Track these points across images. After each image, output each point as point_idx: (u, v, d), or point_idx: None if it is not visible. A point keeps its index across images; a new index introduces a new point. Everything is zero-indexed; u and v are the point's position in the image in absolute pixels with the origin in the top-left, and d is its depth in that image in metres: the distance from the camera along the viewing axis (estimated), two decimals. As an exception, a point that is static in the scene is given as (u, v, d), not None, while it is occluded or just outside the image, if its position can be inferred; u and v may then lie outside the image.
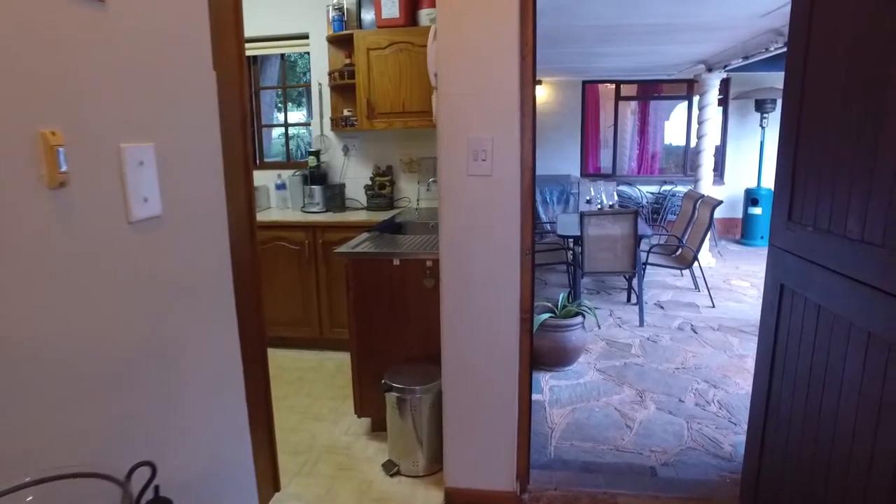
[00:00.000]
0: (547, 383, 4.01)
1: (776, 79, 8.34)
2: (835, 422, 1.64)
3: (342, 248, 2.79)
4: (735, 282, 6.60)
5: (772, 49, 5.18)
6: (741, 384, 3.95)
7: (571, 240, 5.45)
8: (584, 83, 9.15)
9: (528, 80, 2.03)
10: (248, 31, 4.40)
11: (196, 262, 1.27)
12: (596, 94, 9.38)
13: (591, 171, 9.39)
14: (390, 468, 2.68)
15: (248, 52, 4.59)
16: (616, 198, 6.50)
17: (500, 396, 2.26)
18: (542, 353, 4.20)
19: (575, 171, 9.19)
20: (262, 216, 4.26)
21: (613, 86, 9.25)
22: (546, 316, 4.15)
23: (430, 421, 2.58)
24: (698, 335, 4.91)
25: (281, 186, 4.52)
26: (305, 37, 4.34)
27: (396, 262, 2.68)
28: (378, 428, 3.00)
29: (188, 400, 1.21)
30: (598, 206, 6.15)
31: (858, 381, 1.53)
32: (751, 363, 4.29)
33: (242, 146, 2.06)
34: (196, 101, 1.23)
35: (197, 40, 1.21)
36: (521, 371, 2.24)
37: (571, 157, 9.24)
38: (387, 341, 2.82)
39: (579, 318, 4.17)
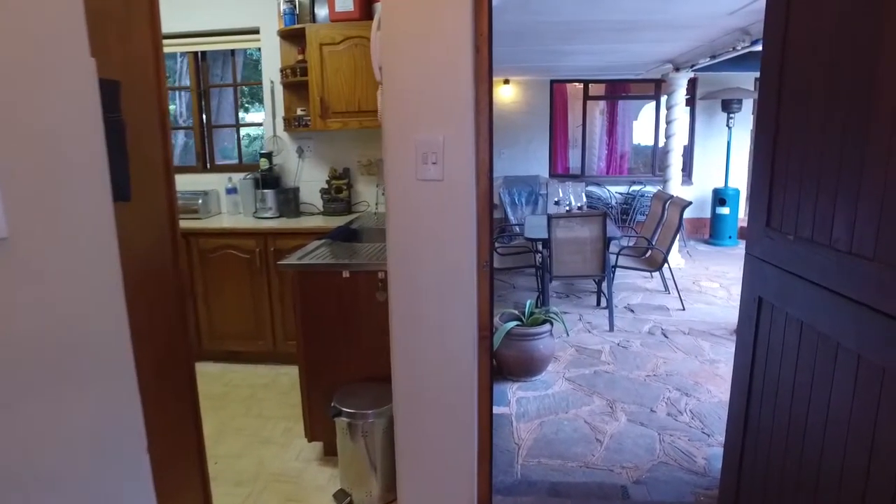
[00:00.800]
0: (514, 395, 3.83)
1: (742, 79, 8.35)
2: (821, 450, 1.48)
3: (287, 260, 2.56)
4: (705, 283, 6.53)
5: (739, 48, 5.10)
6: (713, 391, 3.83)
7: (539, 243, 5.30)
8: (552, 82, 9.03)
9: (484, 74, 1.83)
10: (194, 25, 4.17)
11: (69, 308, 0.89)
12: (564, 93, 9.28)
13: (559, 172, 9.28)
14: (342, 498, 2.46)
15: (194, 48, 4.35)
16: (584, 199, 6.38)
17: (458, 420, 2.06)
18: (508, 363, 4.02)
19: (543, 172, 9.07)
20: (211, 222, 4.00)
21: (581, 85, 9.15)
22: (512, 324, 3.97)
23: (385, 447, 2.36)
24: (669, 340, 4.79)
25: (232, 191, 4.25)
26: (256, 31, 4.08)
27: (346, 274, 2.46)
28: (331, 452, 2.77)
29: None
30: (567, 208, 6.01)
31: (848, 408, 1.37)
32: (723, 369, 4.19)
33: (162, 148, 1.83)
34: (62, 94, 0.99)
35: (66, 30, 0.96)
36: (480, 393, 2.05)
37: (540, 157, 9.12)
38: (338, 360, 2.60)
39: (547, 326, 4.00)
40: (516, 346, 3.96)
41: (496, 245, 6.24)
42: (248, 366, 3.94)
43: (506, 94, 8.96)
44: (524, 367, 4.02)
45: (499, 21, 4.90)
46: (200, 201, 4.08)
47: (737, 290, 6.38)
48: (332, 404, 2.39)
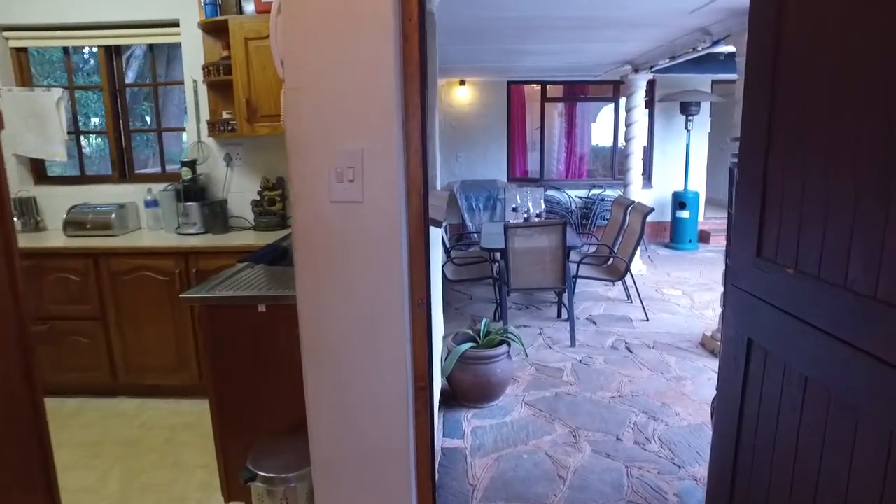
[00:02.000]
0: (469, 424, 3.49)
1: (701, 81, 8.24)
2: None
3: (189, 292, 2.15)
4: (667, 290, 6.34)
5: (699, 49, 4.90)
6: (681, 413, 3.57)
7: (497, 252, 4.98)
8: (510, 84, 8.76)
9: (414, 69, 1.48)
10: (105, 16, 3.70)
11: None
12: (522, 95, 9.02)
13: (518, 176, 9.01)
14: (262, 575, 2.06)
15: (104, 42, 3.87)
16: (543, 206, 6.10)
17: (390, 490, 1.70)
18: (463, 388, 3.69)
19: (501, 176, 8.78)
20: (126, 240, 3.53)
21: (539, 87, 8.91)
22: (467, 346, 3.64)
23: (311, 514, 1.98)
24: (633, 354, 4.54)
25: (152, 203, 3.78)
26: (176, 24, 3.64)
27: (262, 308, 2.07)
28: (253, 513, 2.37)
29: None
30: (525, 215, 5.72)
31: (879, 490, 1.06)
32: (689, 387, 3.95)
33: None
34: None
35: None
36: (418, 455, 1.69)
37: (498, 161, 8.83)
38: (256, 407, 2.21)
39: (504, 348, 3.68)
40: (471, 371, 3.63)
41: (451, 255, 5.91)
42: (169, 401, 3.49)
43: (462, 95, 8.64)
44: (480, 393, 3.69)
45: (448, 16, 4.58)
46: (114, 216, 3.60)
47: (699, 298, 6.24)
48: (246, 465, 2.00)
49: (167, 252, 3.31)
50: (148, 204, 3.79)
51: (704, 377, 4.10)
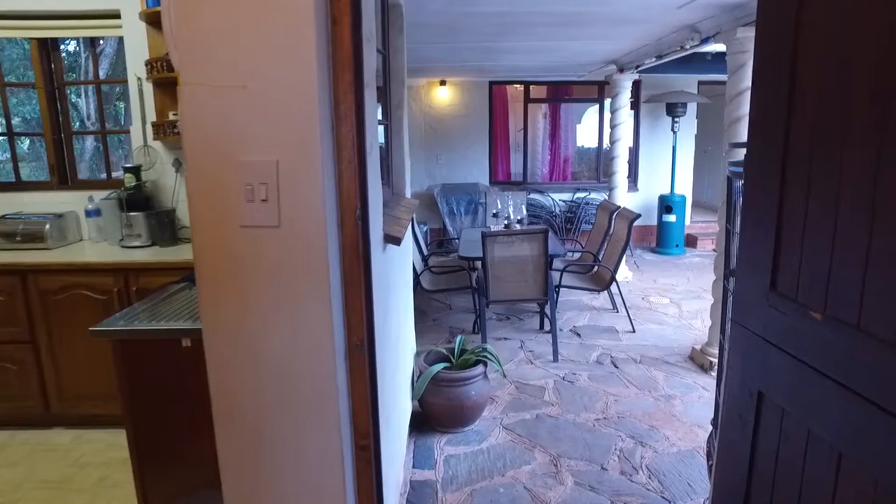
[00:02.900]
0: (441, 452, 3.20)
1: (687, 82, 8.03)
2: None
3: (102, 324, 1.84)
4: (654, 298, 6.10)
5: (688, 47, 4.65)
6: (671, 438, 3.31)
7: (477, 261, 4.68)
8: (492, 84, 8.48)
9: (345, 60, 1.19)
10: (39, 5, 3.36)
11: None
12: (504, 95, 8.75)
13: (501, 179, 8.73)
14: None
15: (37, 34, 3.53)
16: (525, 212, 5.83)
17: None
18: (435, 412, 3.39)
19: (484, 179, 8.50)
20: (61, 254, 3.19)
21: (522, 87, 8.64)
22: (440, 367, 3.35)
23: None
24: (619, 370, 4.28)
25: (93, 213, 3.44)
26: (116, 15, 3.31)
27: (187, 342, 1.76)
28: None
29: None
30: (506, 221, 5.44)
31: None
32: (679, 407, 3.69)
33: None
34: None
35: None
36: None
37: (479, 163, 8.54)
38: (182, 456, 1.89)
39: (480, 368, 3.39)
40: (445, 394, 3.33)
41: (429, 262, 5.61)
42: (108, 431, 3.15)
43: (442, 95, 8.35)
44: (454, 418, 3.40)
45: (425, 13, 4.29)
46: (48, 226, 3.26)
47: (687, 307, 6.00)
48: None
49: (105, 268, 2.98)
50: (89, 213, 3.45)
51: (694, 395, 3.85)
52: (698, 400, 3.78)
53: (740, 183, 1.83)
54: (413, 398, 3.38)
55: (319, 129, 1.13)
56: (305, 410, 1.26)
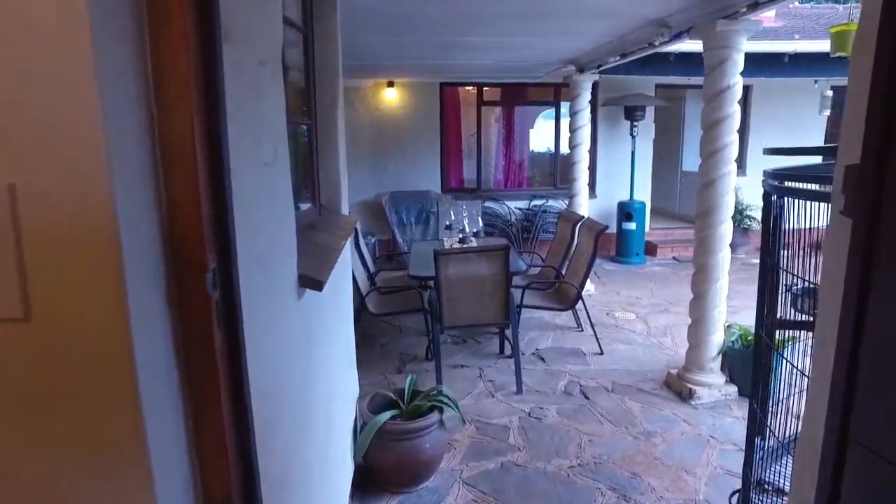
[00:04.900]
0: (391, 520, 2.66)
1: (644, 84, 7.73)
2: None
3: None
4: (620, 314, 5.71)
5: (657, 43, 4.26)
6: (657, 489, 2.87)
7: (431, 280, 4.14)
8: (443, 85, 7.98)
9: (179, 19, 0.63)
10: None
11: None
12: (456, 98, 8.27)
13: (454, 186, 8.23)
14: None
15: None
16: (481, 223, 5.33)
17: None
18: (384, 469, 2.85)
19: (435, 187, 7.98)
20: None
21: (475, 89, 8.17)
22: (387, 416, 2.79)
23: None
24: (591, 402, 3.82)
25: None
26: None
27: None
28: None
29: None
30: (461, 234, 4.93)
31: None
32: (661, 447, 3.25)
33: None
34: None
35: None
36: None
37: (431, 170, 8.02)
38: None
39: (435, 416, 2.86)
40: (394, 449, 2.79)
41: (377, 282, 5.05)
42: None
43: (390, 97, 7.80)
44: (406, 476, 2.86)
45: (364, 4, 3.75)
46: None
47: (654, 322, 5.62)
48: None
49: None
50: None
51: (676, 431, 3.42)
52: (681, 437, 3.37)
53: (784, 200, 1.40)
54: (354, 457, 2.81)
55: (110, 125, 0.58)
56: None
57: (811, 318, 1.76)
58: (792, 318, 1.79)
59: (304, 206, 2.12)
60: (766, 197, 1.35)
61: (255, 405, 1.02)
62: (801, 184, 1.23)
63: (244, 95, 1.01)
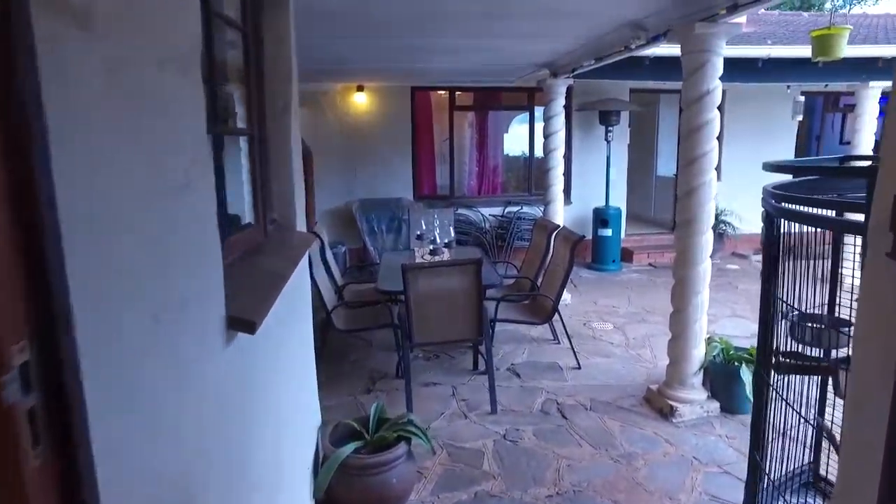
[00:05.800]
0: (355, 565, 2.42)
1: (619, 89, 7.63)
2: None
3: None
4: (597, 324, 5.55)
5: (633, 47, 4.11)
6: (641, 520, 2.68)
7: (400, 295, 3.91)
8: (414, 90, 7.77)
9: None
10: None
11: None
12: (428, 103, 8.06)
13: (426, 193, 8.02)
14: None
15: None
16: (453, 233, 5.13)
17: None
18: (347, 507, 2.61)
19: (407, 194, 7.76)
20: None
21: (447, 94, 7.97)
22: (350, 448, 2.57)
23: None
24: (569, 421, 3.64)
25: None
26: None
27: None
28: None
29: None
30: (432, 245, 4.73)
31: None
32: (644, 470, 3.08)
33: None
34: None
35: None
36: None
37: (402, 176, 7.79)
38: None
39: (403, 447, 2.64)
40: (358, 485, 2.56)
41: (346, 294, 4.81)
42: None
43: (360, 101, 7.56)
44: (370, 514, 2.63)
45: (318, 3, 3.50)
46: None
47: (633, 333, 5.47)
48: None
49: None
50: None
51: (658, 452, 3.26)
52: (663, 458, 3.20)
53: (785, 224, 1.22)
54: (314, 495, 2.57)
55: None
56: None
57: (809, 349, 1.60)
58: (788, 347, 1.62)
59: (246, 226, 1.88)
60: (769, 219, 1.17)
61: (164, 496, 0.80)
62: (813, 208, 1.05)
63: (127, 107, 0.79)
